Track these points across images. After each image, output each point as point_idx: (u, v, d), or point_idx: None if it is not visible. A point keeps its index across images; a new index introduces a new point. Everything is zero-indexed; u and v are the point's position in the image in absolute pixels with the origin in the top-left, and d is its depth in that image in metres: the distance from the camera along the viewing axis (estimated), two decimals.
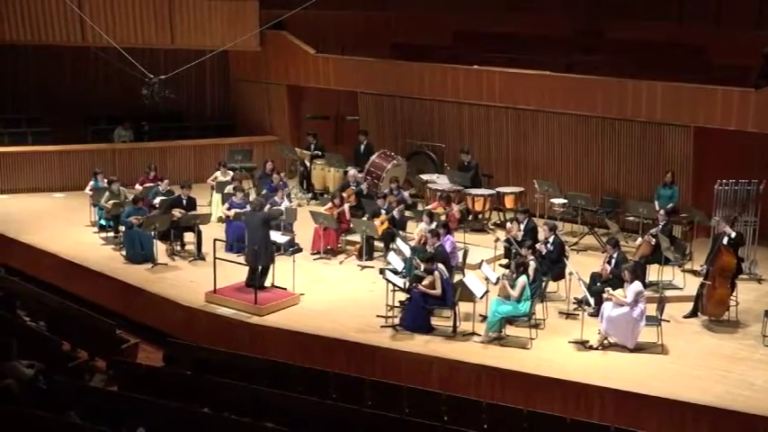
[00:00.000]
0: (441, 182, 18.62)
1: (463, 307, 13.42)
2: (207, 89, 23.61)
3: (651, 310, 12.86)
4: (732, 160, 16.65)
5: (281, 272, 14.52)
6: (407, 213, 16.93)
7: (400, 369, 12.45)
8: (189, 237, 16.38)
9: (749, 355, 12.65)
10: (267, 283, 14.38)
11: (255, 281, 14.08)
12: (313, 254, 16.26)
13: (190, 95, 23.07)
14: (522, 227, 15.23)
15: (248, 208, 15.71)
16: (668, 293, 14.18)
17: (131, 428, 9.41)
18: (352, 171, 18.49)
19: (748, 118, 16.11)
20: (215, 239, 14.87)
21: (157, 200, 16.95)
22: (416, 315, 13.18)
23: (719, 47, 19.12)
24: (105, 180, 17.69)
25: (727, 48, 18.72)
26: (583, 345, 12.77)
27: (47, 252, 16.38)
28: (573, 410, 11.26)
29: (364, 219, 16.52)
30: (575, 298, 13.98)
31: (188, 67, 18.36)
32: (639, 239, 15.51)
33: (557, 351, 12.67)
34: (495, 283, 13.46)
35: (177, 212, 16.31)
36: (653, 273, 14.76)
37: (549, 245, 14.43)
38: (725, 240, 13.75)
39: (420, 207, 17.78)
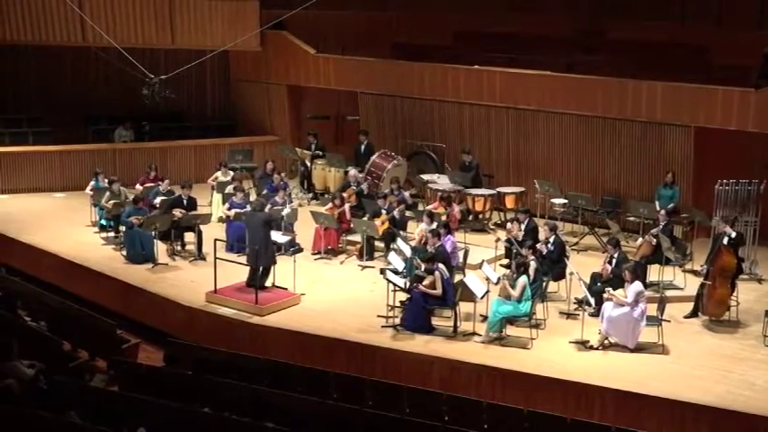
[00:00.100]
0: (441, 182, 18.62)
1: (464, 307, 13.42)
2: (207, 89, 23.62)
3: (652, 310, 12.86)
4: (732, 160, 16.64)
5: (282, 272, 14.52)
6: (408, 213, 16.93)
7: (401, 369, 12.45)
8: (189, 237, 16.39)
9: (750, 356, 12.65)
10: (268, 283, 14.38)
11: (256, 281, 14.08)
12: (314, 254, 16.26)
13: (190, 95, 23.08)
14: (523, 227, 15.22)
15: (248, 208, 15.72)
16: (669, 293, 14.18)
17: (132, 428, 9.41)
18: (352, 171, 18.49)
19: (749, 118, 16.11)
20: (215, 239, 14.87)
21: (158, 200, 16.95)
22: (417, 315, 13.18)
23: (721, 47, 19.10)
24: (106, 180, 17.70)
25: (729, 48, 18.70)
26: (583, 345, 12.76)
27: (47, 252, 16.38)
28: (573, 410, 11.25)
29: (365, 219, 16.52)
30: (575, 298, 13.98)
31: (188, 67, 18.36)
32: (640, 240, 15.50)
33: (557, 351, 12.67)
34: (496, 284, 13.46)
35: (178, 212, 16.32)
36: (654, 273, 14.76)
37: (549, 245, 14.43)
38: (725, 240, 13.75)
39: (420, 207, 17.78)
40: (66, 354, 12.83)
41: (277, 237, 15.01)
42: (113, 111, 21.95)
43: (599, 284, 13.54)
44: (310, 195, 20.08)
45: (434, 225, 14.92)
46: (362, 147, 20.04)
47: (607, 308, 12.70)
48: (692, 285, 14.50)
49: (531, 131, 18.82)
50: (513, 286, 13.00)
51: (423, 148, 20.09)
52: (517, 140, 19.04)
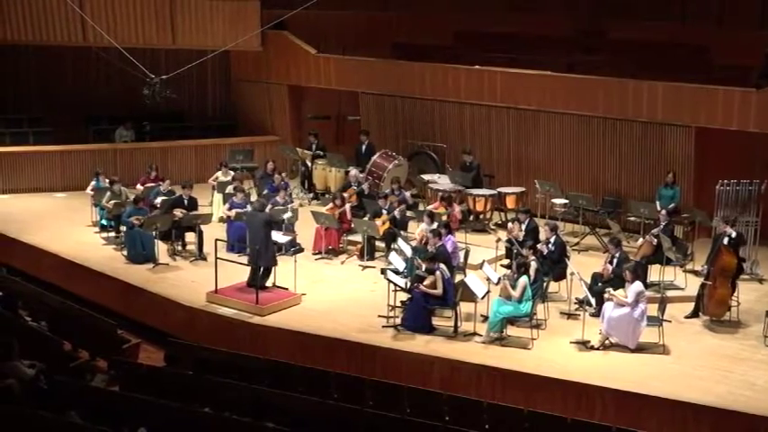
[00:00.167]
0: (442, 182, 18.62)
1: (464, 307, 13.42)
2: (208, 89, 23.62)
3: (652, 310, 12.85)
4: (733, 160, 16.64)
5: (283, 272, 14.51)
6: (409, 213, 16.92)
7: (401, 369, 12.45)
8: (190, 237, 16.39)
9: (750, 356, 12.64)
10: (268, 284, 14.38)
11: (257, 281, 14.08)
12: (314, 254, 16.26)
13: (191, 95, 23.07)
14: (524, 227, 15.22)
15: (249, 208, 15.72)
16: (670, 294, 14.18)
17: (132, 428, 9.41)
18: (353, 171, 18.49)
19: (750, 118, 16.10)
20: (216, 239, 14.88)
21: (159, 200, 16.96)
22: (418, 315, 13.18)
23: (721, 47, 19.10)
24: (107, 180, 17.70)
25: (729, 48, 18.70)
26: (584, 345, 12.76)
27: (48, 252, 16.38)
28: (574, 410, 11.25)
29: (366, 219, 16.52)
30: (576, 298, 13.97)
31: (189, 67, 18.35)
32: (641, 240, 15.49)
33: (558, 351, 12.67)
34: (497, 284, 13.45)
35: (178, 212, 16.33)
36: (654, 273, 14.75)
37: (550, 245, 14.43)
38: (725, 240, 13.75)
39: (421, 207, 17.77)
40: (66, 354, 12.84)
41: (278, 237, 15.01)
42: (114, 111, 21.96)
43: (600, 284, 13.54)
44: (311, 195, 20.08)
45: (435, 225, 14.91)
46: (363, 147, 20.04)
47: (608, 308, 12.70)
48: (692, 285, 14.49)
49: (532, 132, 18.82)
50: (513, 286, 12.99)
51: (423, 148, 20.09)
52: (518, 140, 19.04)
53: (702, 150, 17.02)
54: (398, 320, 13.34)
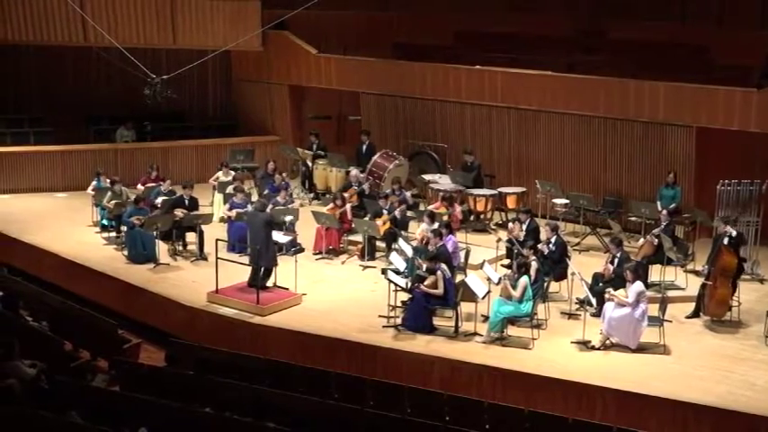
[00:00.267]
0: (443, 182, 18.62)
1: (465, 307, 13.41)
2: (209, 89, 23.63)
3: (653, 310, 12.85)
4: (734, 160, 16.65)
5: (284, 272, 14.52)
6: (409, 213, 16.92)
7: (402, 369, 12.45)
8: (191, 237, 16.39)
9: (751, 356, 12.64)
10: (269, 284, 14.38)
11: (257, 281, 14.09)
12: (315, 254, 16.26)
13: (192, 95, 23.08)
14: (524, 227, 15.22)
15: (249, 208, 15.72)
16: (671, 294, 14.17)
17: (133, 428, 9.42)
18: (354, 171, 18.49)
19: (750, 118, 16.10)
20: (217, 239, 14.86)
21: (159, 200, 16.96)
22: (418, 315, 13.18)
23: (722, 47, 19.10)
24: (108, 180, 17.71)
25: (730, 48, 18.71)
26: (585, 345, 12.76)
27: (49, 252, 16.39)
28: (574, 410, 11.25)
29: (366, 219, 16.53)
30: (577, 298, 13.97)
31: (190, 67, 18.35)
32: (642, 240, 15.49)
33: (558, 351, 12.67)
34: (497, 284, 13.45)
35: (179, 212, 16.33)
36: (655, 273, 14.75)
37: (550, 245, 14.43)
38: (725, 240, 13.75)
39: (422, 207, 17.78)
40: (67, 354, 12.84)
41: (278, 237, 15.02)
42: (115, 111, 21.98)
43: (601, 284, 13.54)
44: (312, 195, 20.09)
45: (435, 225, 14.91)
46: (364, 147, 20.04)
47: (608, 308, 12.70)
48: (693, 285, 14.49)
49: (533, 131, 18.82)
50: (514, 286, 12.99)
51: (424, 148, 20.09)
52: (518, 140, 19.04)
53: (703, 150, 17.02)
54: (399, 320, 13.34)
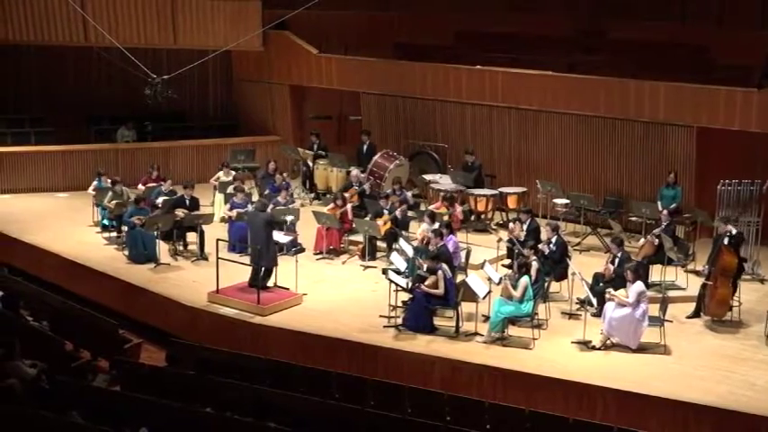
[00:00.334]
0: (443, 182, 18.62)
1: (466, 307, 13.41)
2: (210, 89, 23.64)
3: (654, 310, 12.85)
4: (735, 160, 16.64)
5: (284, 272, 14.52)
6: (410, 213, 16.93)
7: (402, 369, 12.45)
8: (192, 237, 16.39)
9: (752, 356, 12.64)
10: (270, 284, 14.38)
11: (258, 281, 14.09)
12: (316, 254, 16.27)
13: (193, 95, 23.09)
14: (525, 227, 15.22)
15: (250, 208, 15.73)
16: (671, 294, 14.17)
17: (134, 428, 9.42)
18: (354, 171, 18.50)
19: (751, 118, 16.10)
20: (218, 239, 14.87)
21: (160, 200, 16.96)
22: (419, 315, 13.18)
23: (722, 47, 19.10)
24: (109, 181, 17.72)
25: (730, 48, 18.71)
26: (585, 345, 12.76)
27: (50, 252, 16.39)
28: (575, 410, 11.26)
29: (367, 219, 16.53)
30: (577, 298, 13.97)
31: (191, 67, 18.35)
32: (642, 240, 15.49)
33: (559, 351, 12.67)
34: (498, 284, 13.45)
35: (180, 212, 16.34)
36: (656, 273, 14.75)
37: (551, 245, 14.43)
38: (725, 240, 13.75)
39: (423, 207, 17.78)
40: (68, 354, 12.84)
41: (279, 237, 15.02)
42: (116, 111, 21.99)
43: (601, 284, 13.54)
44: (312, 195, 20.09)
45: (436, 225, 14.91)
46: (365, 147, 20.04)
47: (609, 308, 12.70)
48: (694, 286, 14.49)
49: (533, 131, 18.83)
50: (514, 286, 13.00)
51: (425, 148, 20.10)
52: (519, 140, 19.05)
53: (704, 150, 17.02)
54: (400, 320, 13.34)
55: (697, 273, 14.83)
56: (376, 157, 19.29)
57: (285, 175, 18.59)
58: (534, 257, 13.74)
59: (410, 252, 14.51)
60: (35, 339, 12.33)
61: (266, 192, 17.86)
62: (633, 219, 17.26)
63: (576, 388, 11.67)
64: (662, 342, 12.67)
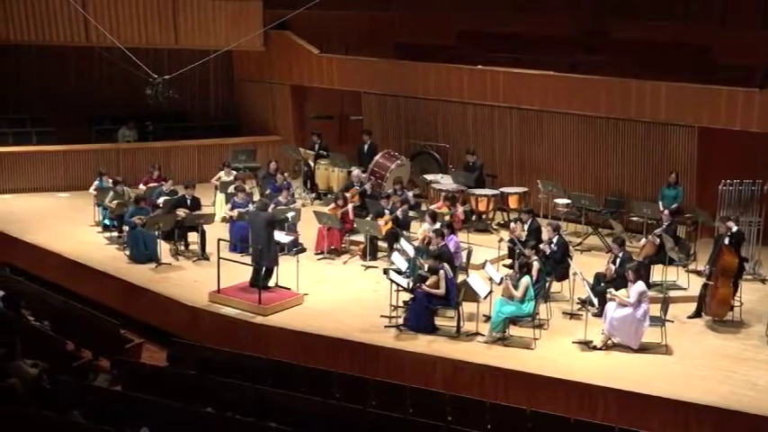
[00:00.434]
0: (445, 182, 18.62)
1: (467, 307, 13.40)
2: (211, 89, 23.64)
3: (655, 310, 12.85)
4: (736, 160, 16.62)
5: (285, 272, 14.52)
6: (411, 213, 16.92)
7: (404, 369, 12.45)
8: (193, 237, 16.39)
9: (753, 356, 12.63)
10: (271, 283, 14.38)
11: (259, 281, 14.09)
12: (317, 254, 16.27)
13: (194, 95, 23.09)
14: (526, 227, 15.21)
15: (251, 207, 15.72)
16: (672, 294, 14.16)
17: (135, 428, 9.42)
18: (356, 171, 18.49)
19: (753, 118, 16.09)
20: (219, 239, 14.85)
21: (161, 200, 16.97)
22: (420, 315, 13.18)
23: (725, 47, 19.09)
24: (110, 180, 17.72)
25: (733, 48, 18.70)
26: (586, 345, 12.75)
27: (51, 252, 16.40)
28: (576, 410, 11.25)
29: (368, 219, 16.53)
30: (578, 298, 13.96)
31: (192, 67, 18.35)
32: (643, 240, 15.48)
33: (560, 351, 12.66)
34: (499, 284, 13.45)
35: (181, 212, 16.35)
36: (657, 273, 14.74)
37: (552, 245, 14.43)
38: (726, 240, 13.74)
39: (424, 207, 17.77)
40: (69, 353, 12.83)
41: (280, 237, 15.02)
42: (117, 111, 21.99)
43: (602, 284, 13.53)
44: (313, 195, 20.09)
45: (437, 225, 14.90)
46: (366, 147, 20.03)
47: (610, 308, 12.69)
48: (695, 285, 14.48)
49: (535, 131, 18.82)
50: (516, 286, 12.99)
51: (426, 148, 20.09)
52: (521, 140, 19.04)
53: (705, 150, 17.01)
54: (401, 320, 13.34)
55: (698, 273, 14.82)
56: (377, 157, 19.28)
57: (286, 174, 18.59)
58: (535, 257, 13.73)
59: (411, 252, 14.50)
60: (36, 339, 12.33)
61: (267, 191, 17.87)
62: (634, 219, 17.25)
63: (578, 388, 11.67)
64: (663, 342, 12.67)
